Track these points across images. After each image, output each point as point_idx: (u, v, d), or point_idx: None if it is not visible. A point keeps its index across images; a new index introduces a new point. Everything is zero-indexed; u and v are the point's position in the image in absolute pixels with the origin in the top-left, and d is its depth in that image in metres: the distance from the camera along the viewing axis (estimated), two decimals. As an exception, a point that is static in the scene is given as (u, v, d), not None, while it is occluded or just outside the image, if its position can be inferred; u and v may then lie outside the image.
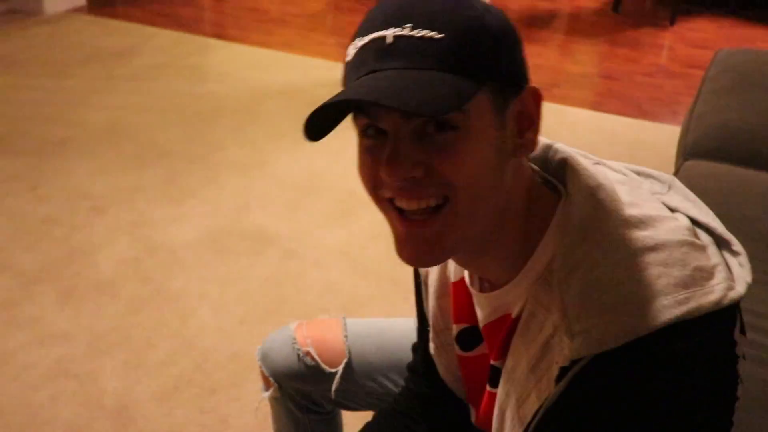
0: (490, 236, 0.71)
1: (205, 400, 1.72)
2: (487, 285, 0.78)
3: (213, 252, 2.18)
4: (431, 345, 0.93)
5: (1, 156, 2.63)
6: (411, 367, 1.05)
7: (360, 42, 0.65)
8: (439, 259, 0.71)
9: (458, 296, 0.85)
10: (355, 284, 2.09)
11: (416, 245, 0.68)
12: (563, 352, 0.66)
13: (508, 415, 0.76)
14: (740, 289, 0.69)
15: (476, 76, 0.63)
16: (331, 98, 0.62)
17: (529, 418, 0.71)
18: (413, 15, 0.63)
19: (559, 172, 0.75)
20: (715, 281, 0.67)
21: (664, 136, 2.68)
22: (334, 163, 2.62)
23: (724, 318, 0.67)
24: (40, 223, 2.29)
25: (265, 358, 1.17)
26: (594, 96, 3.13)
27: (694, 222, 0.74)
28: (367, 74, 0.64)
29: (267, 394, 1.19)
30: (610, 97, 3.08)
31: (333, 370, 1.13)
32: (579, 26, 3.92)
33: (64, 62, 3.41)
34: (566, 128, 2.82)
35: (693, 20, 3.96)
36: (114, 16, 3.98)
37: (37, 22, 3.83)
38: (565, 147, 0.78)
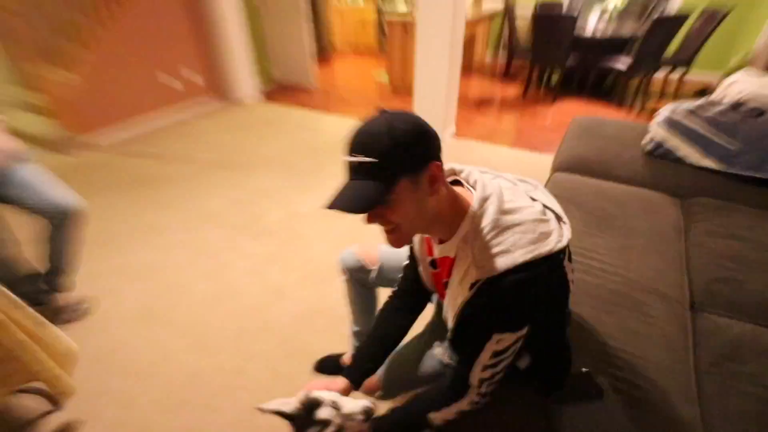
0: (431, 227, 0.72)
1: (326, 284, 1.73)
2: (439, 240, 0.77)
3: (321, 216, 2.15)
4: (420, 267, 0.90)
5: (223, 170, 2.61)
6: (400, 282, 1.00)
7: (345, 158, 0.65)
8: (401, 246, 0.71)
9: (429, 244, 0.85)
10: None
11: (388, 241, 0.71)
12: (473, 275, 0.68)
13: (450, 305, 0.76)
14: (564, 241, 0.68)
15: (395, 177, 0.62)
16: (327, 202, 0.64)
17: (458, 308, 0.72)
18: (360, 147, 0.62)
19: (473, 184, 0.74)
20: (551, 238, 0.67)
21: (547, 160, 2.62)
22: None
23: (556, 256, 0.67)
24: (240, 203, 2.26)
25: (342, 261, 1.16)
26: (512, 140, 3.06)
27: (545, 206, 0.73)
28: (349, 178, 0.64)
29: (343, 278, 1.19)
30: (521, 141, 3.02)
31: (372, 268, 1.11)
32: (506, 105, 3.85)
33: (252, 125, 3.44)
34: (497, 157, 2.76)
35: (565, 101, 3.85)
36: (274, 101, 4.01)
37: (239, 107, 3.87)
38: (476, 171, 0.75)
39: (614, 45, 3.66)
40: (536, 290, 0.66)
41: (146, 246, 1.96)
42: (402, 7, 4.44)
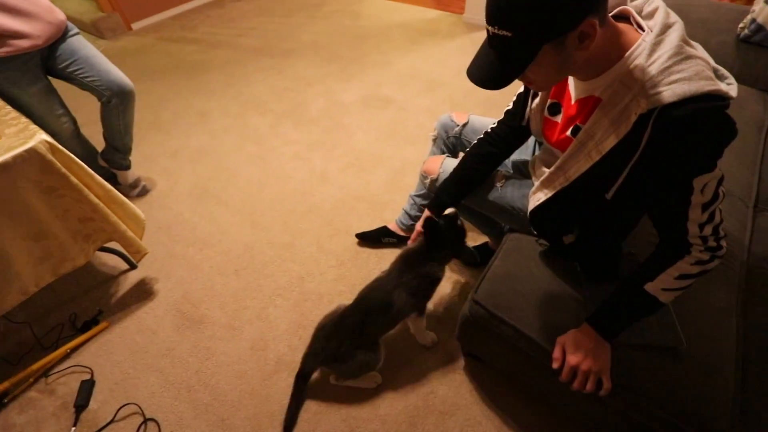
0: (573, 74, 0.68)
1: (368, 172, 1.70)
2: (582, 76, 0.69)
3: (363, 106, 2.11)
4: (530, 108, 0.82)
5: (264, 57, 2.57)
6: (495, 125, 0.95)
7: (485, 23, 0.60)
8: (540, 91, 0.75)
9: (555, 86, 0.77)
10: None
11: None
12: (641, 106, 0.59)
13: (590, 145, 0.67)
14: (734, 92, 0.59)
15: (536, 47, 0.58)
16: (468, 68, 0.63)
17: (607, 149, 0.64)
18: (498, 18, 0.57)
19: (650, 13, 0.64)
20: (728, 80, 0.61)
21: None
22: (423, 62, 2.40)
23: (728, 101, 0.58)
24: (282, 90, 2.26)
25: (438, 120, 1.16)
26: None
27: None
28: (487, 45, 0.62)
29: (431, 135, 1.18)
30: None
31: (459, 123, 1.10)
32: None
33: (291, 9, 3.18)
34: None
35: None
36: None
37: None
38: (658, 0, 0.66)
39: None
40: (723, 127, 0.57)
41: (193, 131, 2.00)
42: None
